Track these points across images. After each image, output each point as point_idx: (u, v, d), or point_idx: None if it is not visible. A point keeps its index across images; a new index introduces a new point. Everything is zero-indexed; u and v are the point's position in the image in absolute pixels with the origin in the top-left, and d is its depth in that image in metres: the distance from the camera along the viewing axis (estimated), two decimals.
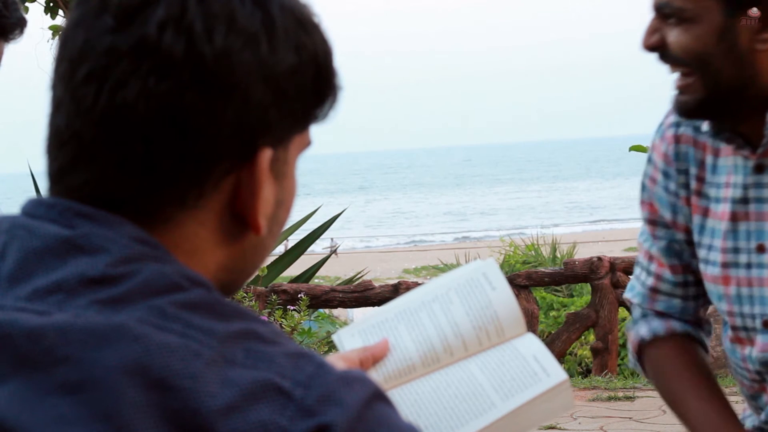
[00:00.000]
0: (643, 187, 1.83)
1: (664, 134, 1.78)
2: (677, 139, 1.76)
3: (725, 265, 1.70)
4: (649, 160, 1.81)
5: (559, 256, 12.26)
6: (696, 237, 1.75)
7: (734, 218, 1.69)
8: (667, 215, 1.80)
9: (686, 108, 1.64)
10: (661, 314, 1.86)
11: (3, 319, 0.82)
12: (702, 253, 1.74)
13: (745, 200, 1.68)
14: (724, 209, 1.70)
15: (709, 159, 1.73)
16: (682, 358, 1.82)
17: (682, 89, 1.63)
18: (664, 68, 1.65)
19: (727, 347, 1.78)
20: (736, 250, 1.69)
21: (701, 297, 1.84)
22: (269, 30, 0.88)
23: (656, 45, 1.61)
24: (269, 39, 0.88)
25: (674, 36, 1.60)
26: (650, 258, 1.85)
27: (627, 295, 1.90)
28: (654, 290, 1.85)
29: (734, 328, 1.72)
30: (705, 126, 1.70)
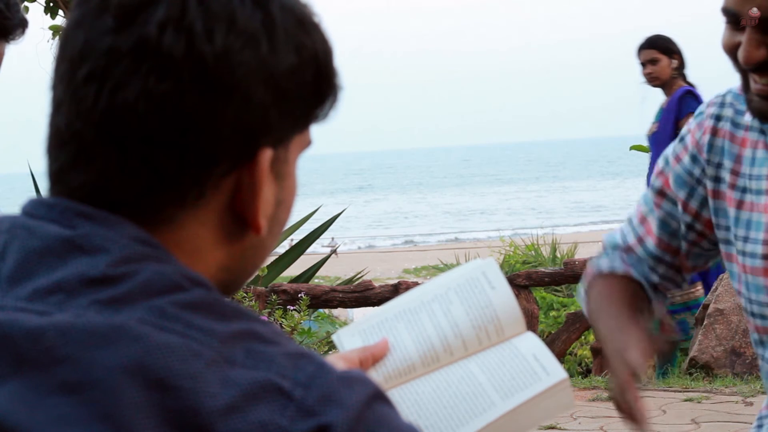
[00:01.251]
0: (666, 161, 1.88)
1: (702, 123, 1.82)
2: (714, 132, 1.79)
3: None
4: (681, 139, 1.85)
5: (559, 256, 12.25)
6: (732, 229, 1.77)
7: None
8: (681, 194, 1.84)
9: None
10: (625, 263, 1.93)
11: (3, 319, 0.82)
12: (738, 245, 1.76)
13: None
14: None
15: (747, 152, 1.75)
16: (623, 292, 1.88)
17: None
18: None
19: (756, 340, 1.79)
20: None
21: (666, 280, 1.91)
22: (269, 30, 0.88)
23: (766, 57, 1.61)
24: (269, 39, 0.88)
25: None
26: (643, 221, 1.91)
27: (604, 237, 1.99)
28: (629, 249, 1.93)
29: None
30: (749, 117, 1.73)
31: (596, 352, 7.51)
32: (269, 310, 6.45)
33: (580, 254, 11.86)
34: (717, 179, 1.79)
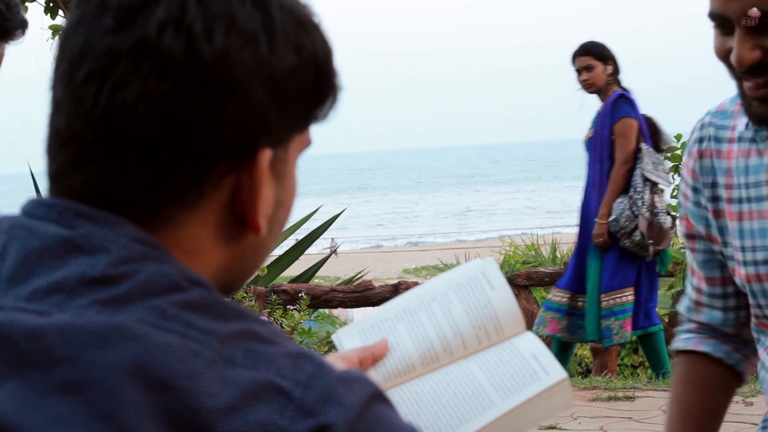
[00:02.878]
0: (679, 204, 1.89)
1: (690, 151, 1.82)
2: (701, 154, 1.79)
3: None
4: (682, 178, 1.85)
5: (559, 256, 12.26)
6: (737, 242, 1.75)
7: None
8: (701, 229, 1.83)
9: None
10: (702, 326, 1.93)
11: (3, 319, 0.83)
12: (747, 256, 1.73)
13: None
14: None
15: (739, 162, 1.73)
16: (687, 379, 1.91)
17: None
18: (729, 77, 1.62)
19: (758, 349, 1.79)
20: None
21: (743, 308, 1.87)
22: (269, 30, 0.89)
23: (760, 59, 1.55)
24: (269, 39, 0.88)
25: None
26: (693, 272, 1.91)
27: (679, 308, 1.99)
28: (697, 303, 1.92)
29: None
30: (741, 128, 1.72)
31: (596, 352, 7.51)
32: (269, 310, 6.45)
33: None
34: (715, 199, 1.78)
